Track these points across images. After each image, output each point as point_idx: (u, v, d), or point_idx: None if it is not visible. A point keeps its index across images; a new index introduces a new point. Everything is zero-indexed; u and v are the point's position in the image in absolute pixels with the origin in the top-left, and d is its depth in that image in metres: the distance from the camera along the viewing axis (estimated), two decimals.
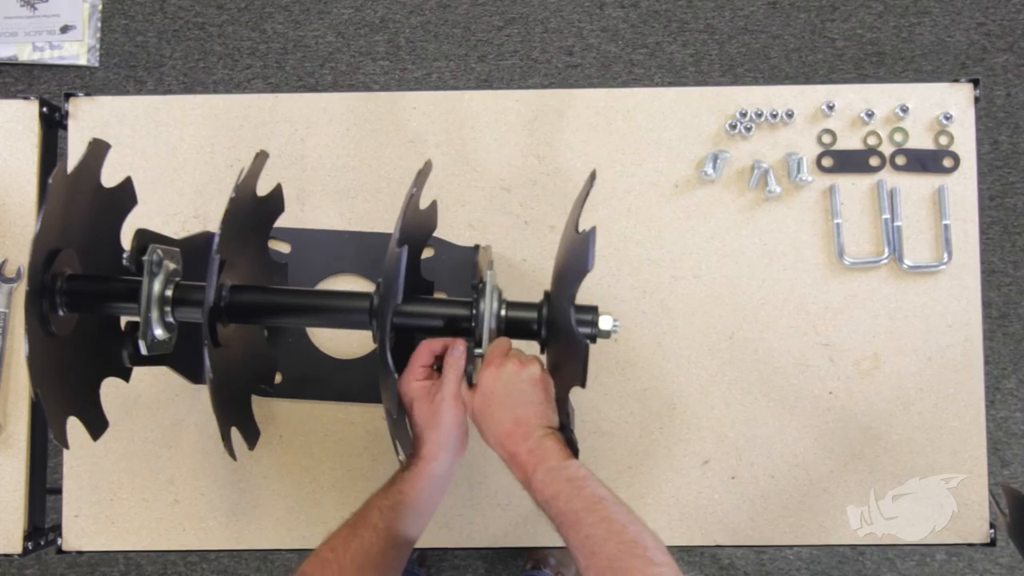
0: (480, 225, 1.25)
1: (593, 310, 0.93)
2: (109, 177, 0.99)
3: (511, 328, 0.96)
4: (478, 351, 0.95)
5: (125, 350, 1.00)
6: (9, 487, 1.21)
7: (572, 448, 0.94)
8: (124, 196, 1.02)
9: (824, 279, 1.22)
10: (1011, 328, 2.04)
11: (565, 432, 0.94)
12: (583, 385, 0.88)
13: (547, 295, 0.97)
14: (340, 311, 0.99)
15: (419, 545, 1.20)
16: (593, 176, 0.94)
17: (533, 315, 0.96)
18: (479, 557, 1.97)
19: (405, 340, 1.01)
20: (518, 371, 0.92)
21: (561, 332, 0.91)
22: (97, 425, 1.00)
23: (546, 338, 0.96)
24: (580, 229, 0.89)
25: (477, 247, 1.20)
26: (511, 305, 0.96)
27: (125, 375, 1.03)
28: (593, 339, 0.92)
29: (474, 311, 0.95)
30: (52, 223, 0.89)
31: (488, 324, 0.94)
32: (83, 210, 0.95)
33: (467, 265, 1.21)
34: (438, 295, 1.19)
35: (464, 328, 0.96)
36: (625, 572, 0.77)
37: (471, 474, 1.21)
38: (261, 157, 1.01)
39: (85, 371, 0.99)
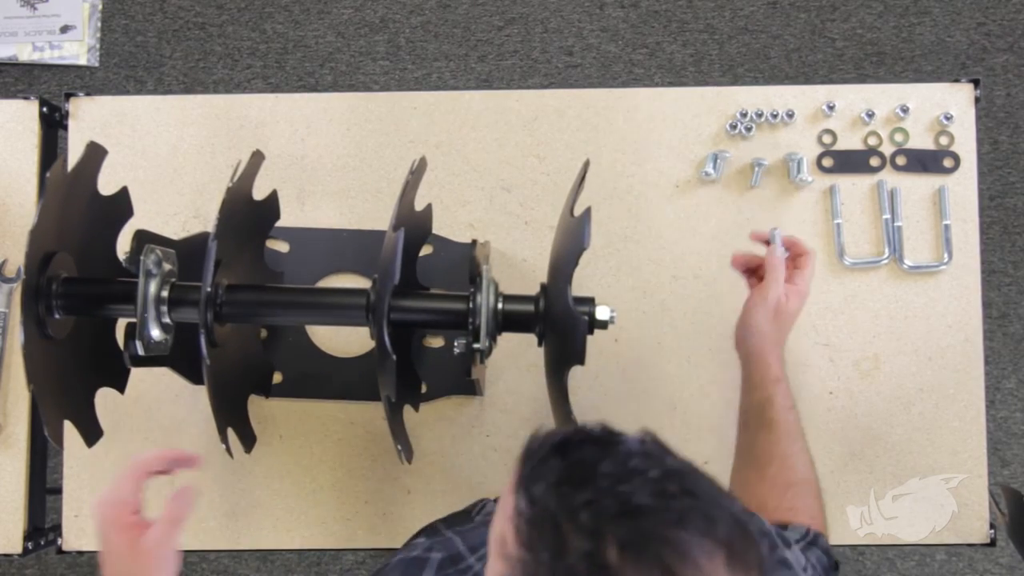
0: (480, 225, 1.25)
1: (590, 301, 0.94)
2: (108, 178, 0.99)
3: (508, 321, 0.96)
4: (476, 345, 0.94)
5: (125, 351, 1.00)
6: (9, 487, 1.21)
7: None
8: (120, 206, 1.02)
9: (824, 279, 1.22)
10: (1011, 328, 2.04)
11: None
12: (582, 363, 0.88)
13: (544, 287, 0.97)
14: (337, 307, 0.99)
15: None
16: (587, 165, 0.96)
17: (530, 308, 0.96)
18: None
19: (403, 337, 1.01)
20: (799, 306, 1.03)
21: (558, 315, 0.91)
22: (92, 432, 1.00)
23: (543, 331, 0.96)
24: (575, 214, 0.90)
25: (474, 242, 1.21)
26: (508, 298, 0.96)
27: (120, 386, 1.03)
28: (590, 330, 0.93)
29: (471, 305, 0.95)
30: (49, 222, 0.89)
31: (486, 317, 0.94)
32: (79, 214, 0.95)
33: (465, 262, 1.21)
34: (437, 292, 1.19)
35: (462, 322, 0.96)
36: (808, 496, 0.94)
37: (471, 474, 1.21)
38: (257, 157, 1.01)
39: (80, 377, 0.99)
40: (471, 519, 1.00)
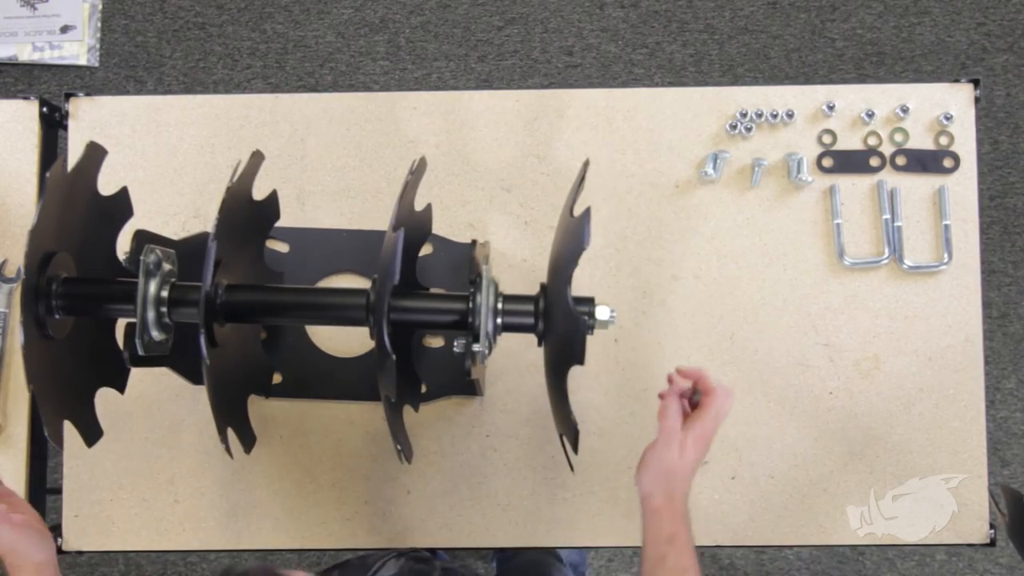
0: (480, 225, 1.25)
1: (590, 301, 0.94)
2: (109, 178, 0.99)
3: (508, 321, 0.96)
4: (476, 346, 0.94)
5: (125, 351, 1.00)
6: (9, 487, 1.21)
7: (574, 447, 0.94)
8: (120, 206, 1.02)
9: (824, 279, 1.22)
10: (1011, 328, 2.04)
11: (569, 430, 0.94)
12: (582, 363, 0.88)
13: (543, 287, 0.97)
14: (337, 307, 0.99)
15: (420, 545, 1.21)
16: (586, 165, 0.96)
17: (530, 307, 0.96)
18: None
19: (403, 337, 1.00)
20: (704, 449, 0.97)
21: (558, 315, 0.91)
22: (91, 433, 1.00)
23: (543, 331, 0.96)
24: (575, 214, 0.90)
25: (474, 242, 1.21)
26: (508, 298, 0.96)
27: (120, 386, 1.03)
28: (590, 330, 0.93)
29: (471, 305, 0.95)
30: (49, 222, 0.89)
31: (486, 317, 0.94)
32: (79, 215, 0.95)
33: (465, 262, 1.21)
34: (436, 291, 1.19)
35: (462, 322, 0.96)
36: None
37: (471, 474, 1.21)
38: (257, 157, 1.01)
39: (80, 377, 0.99)
40: (366, 572, 1.02)
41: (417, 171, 0.98)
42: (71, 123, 1.27)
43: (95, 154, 0.95)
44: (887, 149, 1.24)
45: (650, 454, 0.98)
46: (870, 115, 1.24)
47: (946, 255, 1.22)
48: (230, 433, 0.99)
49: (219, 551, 1.95)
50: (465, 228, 1.24)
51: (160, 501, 1.22)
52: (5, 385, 1.23)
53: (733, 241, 1.23)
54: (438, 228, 1.21)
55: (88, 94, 1.27)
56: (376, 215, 1.25)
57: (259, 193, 1.08)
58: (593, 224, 0.85)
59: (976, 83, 1.25)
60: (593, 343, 0.90)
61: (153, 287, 0.94)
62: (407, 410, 1.09)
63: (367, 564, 1.07)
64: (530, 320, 0.96)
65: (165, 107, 1.27)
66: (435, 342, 1.22)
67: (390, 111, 1.27)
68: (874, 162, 1.24)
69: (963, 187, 1.23)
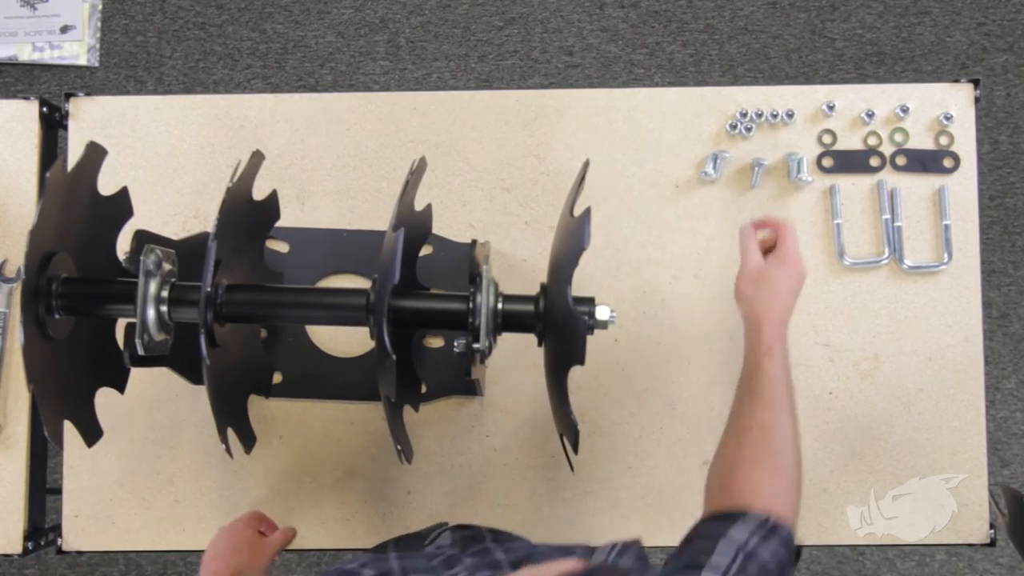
0: (480, 225, 1.25)
1: (590, 301, 0.94)
2: (108, 178, 0.99)
3: (508, 321, 0.96)
4: (476, 345, 0.94)
5: (125, 351, 1.00)
6: (9, 487, 1.21)
7: (574, 447, 0.94)
8: (120, 206, 1.02)
9: (824, 279, 1.22)
10: (1011, 328, 2.04)
11: (569, 430, 0.94)
12: (582, 363, 0.88)
13: (543, 287, 0.97)
14: (337, 307, 0.99)
15: None
16: (586, 165, 0.96)
17: (530, 307, 0.96)
18: None
19: (403, 337, 1.00)
20: (801, 271, 1.05)
21: (558, 315, 0.91)
22: (91, 433, 1.00)
23: (543, 331, 0.96)
24: (575, 214, 0.90)
25: (474, 242, 1.21)
26: (508, 298, 0.96)
27: (120, 386, 1.03)
28: (590, 330, 0.93)
29: (471, 305, 0.95)
30: (49, 222, 0.89)
31: (486, 317, 0.94)
32: (79, 215, 0.95)
33: (465, 262, 1.21)
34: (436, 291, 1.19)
35: (462, 322, 0.96)
36: (776, 470, 0.92)
37: (471, 474, 1.21)
38: (257, 157, 1.01)
39: (80, 377, 0.99)
40: (422, 546, 1.02)
41: (417, 171, 0.98)
42: (71, 123, 1.27)
43: (95, 154, 0.95)
44: (887, 149, 1.24)
45: (738, 278, 1.07)
46: (870, 115, 1.24)
47: (946, 255, 1.22)
48: (230, 433, 0.99)
49: None
50: (465, 228, 1.24)
51: (160, 501, 1.22)
52: (5, 385, 1.23)
53: (733, 241, 1.23)
54: (438, 228, 1.21)
55: (88, 94, 1.27)
56: (376, 215, 1.25)
57: (259, 193, 1.08)
58: (593, 224, 0.85)
59: (976, 83, 1.24)
60: (593, 343, 0.90)
61: (153, 287, 0.94)
62: (407, 410, 1.09)
63: (422, 535, 1.08)
64: (530, 320, 0.96)
65: (165, 107, 1.27)
66: (435, 342, 1.22)
67: (390, 111, 1.27)
68: (874, 162, 1.24)
69: (963, 187, 1.23)
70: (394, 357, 0.89)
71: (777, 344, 1.01)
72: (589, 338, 0.90)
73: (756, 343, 1.02)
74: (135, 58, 2.18)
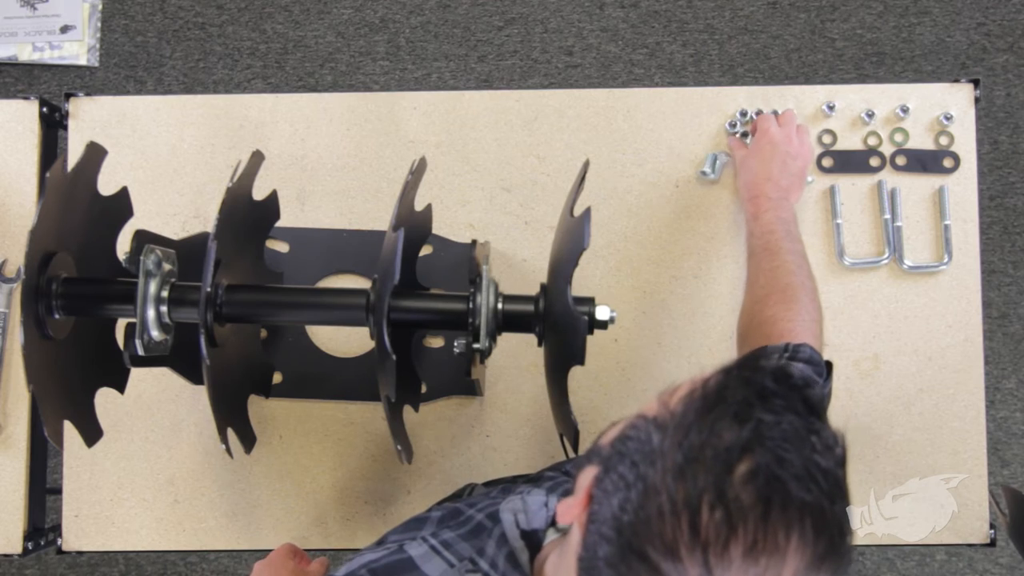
0: (480, 225, 1.25)
1: (590, 301, 0.94)
2: (108, 178, 0.99)
3: (508, 321, 0.96)
4: (476, 345, 0.94)
5: (125, 351, 1.00)
6: (9, 487, 1.21)
7: (574, 447, 0.94)
8: (120, 206, 1.02)
9: (824, 279, 1.22)
10: (1011, 328, 2.04)
11: (569, 430, 0.94)
12: (582, 363, 0.88)
13: (543, 287, 0.97)
14: (337, 307, 0.99)
15: None
16: (586, 165, 0.96)
17: (530, 307, 0.96)
18: None
19: (403, 337, 1.00)
20: (798, 146, 1.15)
21: (558, 315, 0.91)
22: (91, 433, 1.00)
23: (543, 331, 0.96)
24: (575, 214, 0.90)
25: (474, 242, 1.21)
26: (508, 298, 0.96)
27: (120, 386, 1.03)
28: (590, 329, 0.93)
29: (471, 305, 0.95)
30: (49, 222, 0.89)
31: (486, 317, 0.94)
32: (79, 215, 0.95)
33: (465, 262, 1.21)
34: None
35: (462, 322, 0.96)
36: (787, 301, 1.00)
37: (471, 474, 1.21)
38: (257, 157, 1.01)
39: (80, 377, 0.99)
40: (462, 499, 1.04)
41: (417, 171, 0.98)
42: (71, 123, 1.27)
43: (95, 154, 0.95)
44: (887, 149, 1.24)
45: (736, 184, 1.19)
46: (870, 115, 1.24)
47: (946, 255, 1.22)
48: (230, 433, 0.99)
49: (219, 551, 1.95)
50: (465, 228, 1.24)
51: (160, 501, 1.22)
52: (5, 385, 1.23)
53: (733, 241, 1.23)
54: (438, 228, 1.21)
55: (88, 94, 1.27)
56: (376, 215, 1.25)
57: (259, 193, 1.08)
58: (593, 224, 0.85)
59: (976, 83, 1.24)
60: (593, 343, 0.90)
61: (153, 287, 0.94)
62: (407, 410, 1.09)
63: (455, 496, 1.11)
64: (530, 320, 0.96)
65: (165, 107, 1.27)
66: (435, 342, 1.22)
67: (390, 111, 1.27)
68: (874, 162, 1.24)
69: (963, 187, 1.23)
70: (394, 357, 0.89)
71: (767, 213, 1.09)
72: (589, 338, 0.90)
73: (748, 218, 1.12)
74: (135, 58, 2.18)
